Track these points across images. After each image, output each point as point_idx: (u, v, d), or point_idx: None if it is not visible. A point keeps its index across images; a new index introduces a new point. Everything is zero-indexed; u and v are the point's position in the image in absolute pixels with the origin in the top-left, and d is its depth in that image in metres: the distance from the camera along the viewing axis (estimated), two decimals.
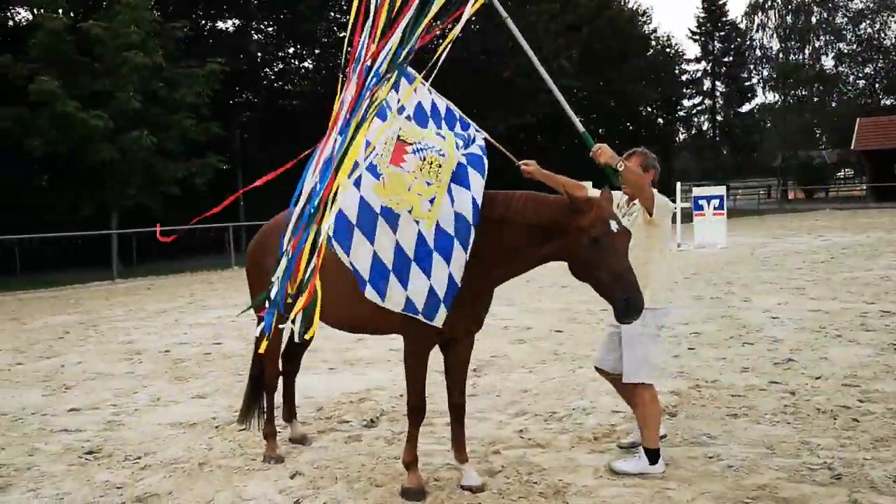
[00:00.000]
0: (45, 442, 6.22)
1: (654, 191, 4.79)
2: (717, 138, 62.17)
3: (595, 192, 4.72)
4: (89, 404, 7.41)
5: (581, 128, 4.68)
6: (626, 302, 4.07)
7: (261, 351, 5.27)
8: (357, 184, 4.40)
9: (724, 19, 60.82)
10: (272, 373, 5.65)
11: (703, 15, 60.96)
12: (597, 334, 9.67)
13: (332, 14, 42.37)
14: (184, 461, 5.56)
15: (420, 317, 4.36)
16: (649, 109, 61.99)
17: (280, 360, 5.87)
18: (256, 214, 36.27)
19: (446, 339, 4.84)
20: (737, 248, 22.18)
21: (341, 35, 46.90)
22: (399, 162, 4.45)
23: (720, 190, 25.09)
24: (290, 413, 5.99)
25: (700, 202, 24.41)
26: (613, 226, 4.16)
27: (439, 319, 4.37)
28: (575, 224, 4.19)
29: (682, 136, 67.89)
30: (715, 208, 24.18)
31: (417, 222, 4.33)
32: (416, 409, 4.76)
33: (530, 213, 4.37)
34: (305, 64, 46.46)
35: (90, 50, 23.93)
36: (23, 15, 29.66)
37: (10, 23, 30.39)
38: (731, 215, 42.12)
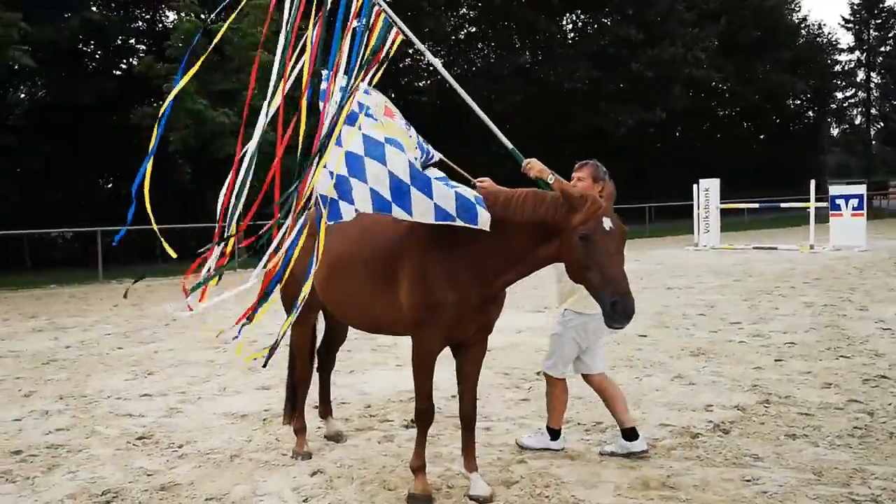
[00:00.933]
0: (107, 426, 6.50)
1: None
2: (872, 133, 58.14)
3: None
4: (161, 391, 7.71)
5: (509, 145, 4.81)
6: (614, 306, 3.79)
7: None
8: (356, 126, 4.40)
9: (880, 6, 56.73)
10: (302, 367, 5.65)
11: (857, 2, 57.08)
12: (683, 340, 9.21)
13: (460, 10, 42.56)
14: (218, 452, 5.65)
15: (459, 222, 4.20)
16: (797, 102, 58.85)
17: (314, 357, 5.89)
18: None
19: (458, 345, 4.70)
20: (877, 251, 20.60)
21: (472, 30, 47.51)
22: (391, 115, 4.75)
23: (860, 189, 23.44)
24: (325, 410, 5.99)
25: (837, 202, 22.88)
26: (607, 224, 3.90)
27: (483, 221, 4.20)
28: (568, 221, 3.96)
29: (834, 131, 64.05)
30: (854, 208, 22.62)
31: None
32: (423, 413, 4.64)
33: (528, 210, 4.16)
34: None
35: (221, 49, 25.14)
36: (171, 18, 31.64)
37: (159, 26, 32.37)
38: (884, 216, 39.13)
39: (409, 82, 44.14)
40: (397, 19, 4.73)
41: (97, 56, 31.09)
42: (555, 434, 5.50)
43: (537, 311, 12.10)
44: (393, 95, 30.56)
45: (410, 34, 4.83)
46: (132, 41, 32.24)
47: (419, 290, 4.39)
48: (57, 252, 30.60)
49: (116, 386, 7.97)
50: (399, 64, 39.44)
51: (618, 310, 3.79)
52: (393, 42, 4.75)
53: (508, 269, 4.32)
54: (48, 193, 28.08)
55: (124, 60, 31.05)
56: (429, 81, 44.03)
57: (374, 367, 8.48)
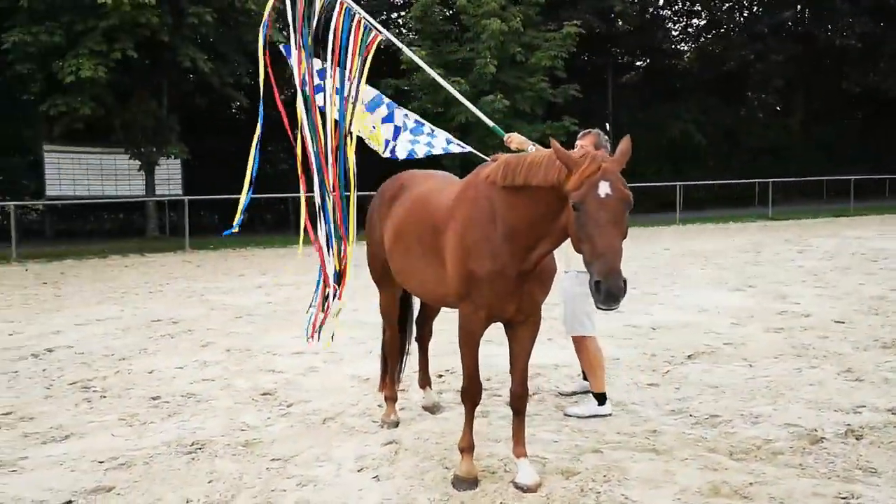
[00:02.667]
0: (246, 379, 6.92)
1: None
2: None
3: None
4: (315, 349, 8.06)
5: (490, 122, 5.60)
6: (598, 286, 3.33)
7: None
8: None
9: None
10: (391, 335, 5.60)
11: None
12: (886, 331, 7.98)
13: None
14: (318, 413, 5.79)
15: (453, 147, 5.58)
16: None
17: (410, 326, 5.84)
18: (626, 175, 36.19)
19: (508, 325, 4.41)
20: None
21: None
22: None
23: None
24: (423, 380, 5.92)
25: None
26: (603, 189, 3.40)
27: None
28: (564, 186, 3.54)
29: None
30: None
31: None
32: (467, 392, 4.41)
33: (542, 173, 3.75)
34: (697, 21, 44.54)
35: (457, 19, 25.71)
36: None
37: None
38: None
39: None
40: (374, 21, 5.42)
41: None
42: (602, 399, 5.49)
43: (737, 290, 11.09)
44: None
45: (386, 33, 5.48)
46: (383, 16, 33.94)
47: (458, 262, 4.19)
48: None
49: (281, 342, 8.46)
50: None
51: (602, 290, 3.33)
52: (371, 43, 5.31)
53: (538, 240, 3.94)
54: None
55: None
56: None
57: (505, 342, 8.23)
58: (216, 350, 8.20)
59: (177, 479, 4.54)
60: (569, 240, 4.97)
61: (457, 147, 5.82)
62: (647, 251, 17.52)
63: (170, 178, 27.30)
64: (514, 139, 5.25)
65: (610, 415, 5.47)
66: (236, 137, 29.19)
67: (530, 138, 21.65)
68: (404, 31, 27.36)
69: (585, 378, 5.86)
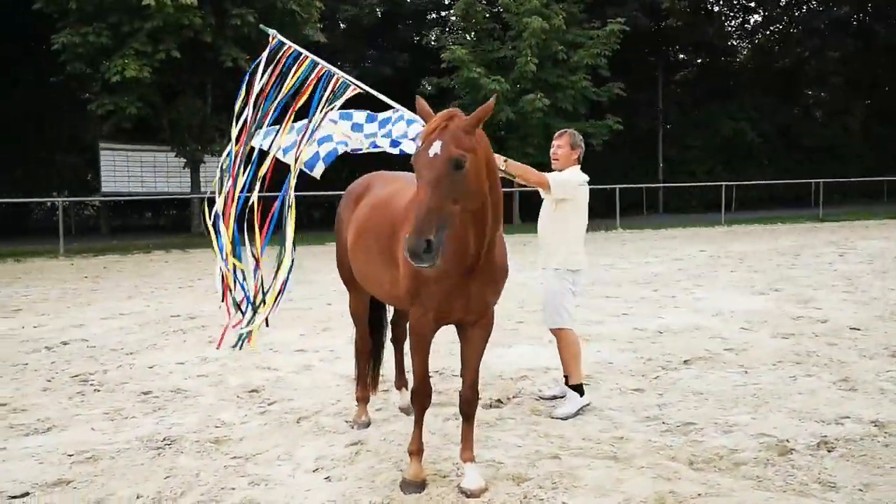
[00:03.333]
0: (239, 376, 6.98)
1: (571, 168, 5.70)
2: None
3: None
4: (315, 346, 8.12)
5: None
6: (406, 240, 3.37)
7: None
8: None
9: None
10: (361, 336, 5.59)
11: None
12: None
13: None
14: (295, 412, 5.81)
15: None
16: None
17: (389, 328, 5.84)
18: (676, 175, 35.58)
19: (459, 328, 4.38)
20: None
21: None
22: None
23: None
24: (399, 381, 5.89)
25: None
26: (433, 150, 3.51)
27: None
28: None
29: None
30: None
31: None
32: (417, 395, 4.37)
33: None
34: (753, 17, 43.57)
35: (500, 17, 25.63)
36: None
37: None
38: None
39: None
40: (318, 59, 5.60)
41: (399, 28, 33.17)
42: (580, 389, 5.64)
43: (761, 294, 10.81)
44: None
45: (368, 88, 5.64)
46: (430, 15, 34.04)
47: (405, 263, 4.16)
48: None
49: (286, 340, 8.54)
50: None
51: (404, 244, 3.42)
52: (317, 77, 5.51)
53: (467, 229, 3.91)
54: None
55: (416, 33, 32.79)
56: None
57: (510, 343, 8.18)
58: (223, 346, 8.29)
59: (135, 475, 4.61)
60: (546, 237, 5.60)
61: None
62: (681, 252, 17.23)
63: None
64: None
65: (589, 404, 5.62)
66: None
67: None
68: (449, 29, 27.33)
69: (574, 389, 5.80)
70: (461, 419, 4.45)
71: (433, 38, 26.41)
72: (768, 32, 42.81)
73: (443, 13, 32.31)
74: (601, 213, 27.20)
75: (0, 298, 12.47)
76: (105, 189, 27.35)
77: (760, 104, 37.94)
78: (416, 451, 4.36)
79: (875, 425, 5.07)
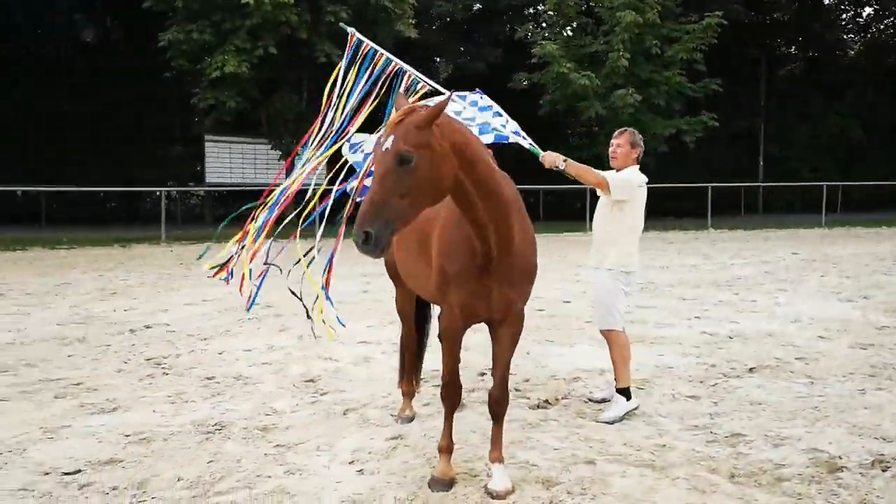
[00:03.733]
0: (302, 365, 7.17)
1: (630, 168, 5.59)
2: None
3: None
4: (378, 339, 8.24)
5: (526, 145, 5.26)
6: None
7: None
8: None
9: None
10: (406, 331, 5.64)
11: None
12: None
13: None
14: (345, 403, 5.91)
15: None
16: None
17: (433, 323, 5.87)
18: (778, 174, 34.25)
19: (489, 326, 4.37)
20: None
21: None
22: None
23: None
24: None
25: None
26: (385, 143, 3.53)
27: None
28: None
29: None
30: None
31: None
32: (445, 392, 4.39)
33: None
34: (868, 11, 41.38)
35: (592, 12, 25.28)
36: None
37: None
38: None
39: None
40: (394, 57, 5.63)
41: (493, 24, 33.10)
42: (626, 393, 5.56)
43: (848, 301, 10.32)
44: None
45: (435, 84, 5.51)
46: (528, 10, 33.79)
47: (436, 262, 4.23)
48: None
49: (354, 331, 8.65)
50: None
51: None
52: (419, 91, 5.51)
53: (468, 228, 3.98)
54: None
55: (510, 28, 32.64)
56: None
57: (573, 342, 8.08)
58: (290, 335, 8.55)
59: (181, 458, 4.80)
60: (602, 237, 5.56)
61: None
62: (772, 255, 16.62)
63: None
64: (546, 159, 5.12)
65: (637, 408, 5.56)
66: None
67: (663, 134, 21.19)
68: (541, 23, 27.12)
69: (621, 392, 5.71)
70: (492, 418, 4.43)
71: (526, 34, 26.21)
72: (882, 27, 40.63)
73: (539, 7, 32.01)
74: (692, 212, 26.48)
75: (101, 282, 13.17)
76: (209, 179, 28.52)
77: (871, 102, 36.10)
78: (445, 448, 4.38)
79: None
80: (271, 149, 26.48)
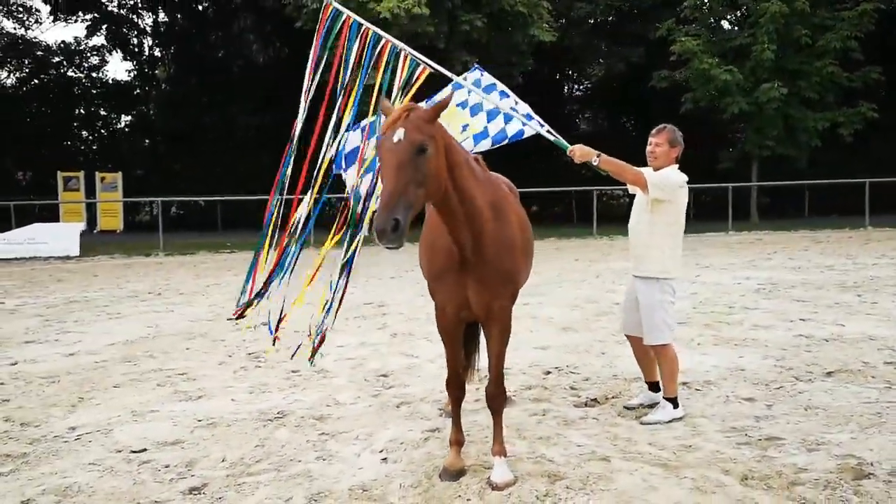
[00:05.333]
0: (381, 361, 7.57)
1: (670, 167, 5.29)
2: None
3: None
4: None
5: (551, 138, 5.27)
6: (375, 218, 3.52)
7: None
8: None
9: None
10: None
11: None
12: None
13: None
14: (403, 397, 6.21)
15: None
16: None
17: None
18: None
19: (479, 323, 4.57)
20: None
21: None
22: None
23: None
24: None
25: None
26: (396, 136, 3.64)
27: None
28: None
29: None
30: None
31: None
32: (447, 386, 4.66)
33: None
34: None
35: (736, 4, 24.27)
36: None
37: None
38: None
39: None
40: (418, 54, 5.36)
41: (634, 23, 32.42)
42: (675, 402, 5.43)
43: None
44: None
45: (437, 66, 5.31)
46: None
47: (421, 263, 4.63)
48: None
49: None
50: None
51: (373, 227, 3.53)
52: (419, 77, 5.30)
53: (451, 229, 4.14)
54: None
55: (651, 26, 31.81)
56: None
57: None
58: (384, 333, 8.98)
59: (234, 441, 5.27)
60: (641, 242, 5.30)
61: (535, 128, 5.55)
62: None
63: None
64: (577, 153, 4.96)
65: (682, 417, 5.39)
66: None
67: (815, 128, 20.19)
68: (683, 19, 26.25)
69: (651, 389, 5.71)
70: (491, 415, 4.61)
71: (667, 31, 25.50)
72: None
73: (683, 3, 31.08)
74: (848, 209, 24.77)
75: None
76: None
77: None
78: (453, 441, 4.60)
79: None
80: None
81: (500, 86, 5.77)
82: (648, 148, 5.41)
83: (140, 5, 42.90)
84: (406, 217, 3.49)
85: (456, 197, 3.98)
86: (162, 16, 43.46)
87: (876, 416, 5.31)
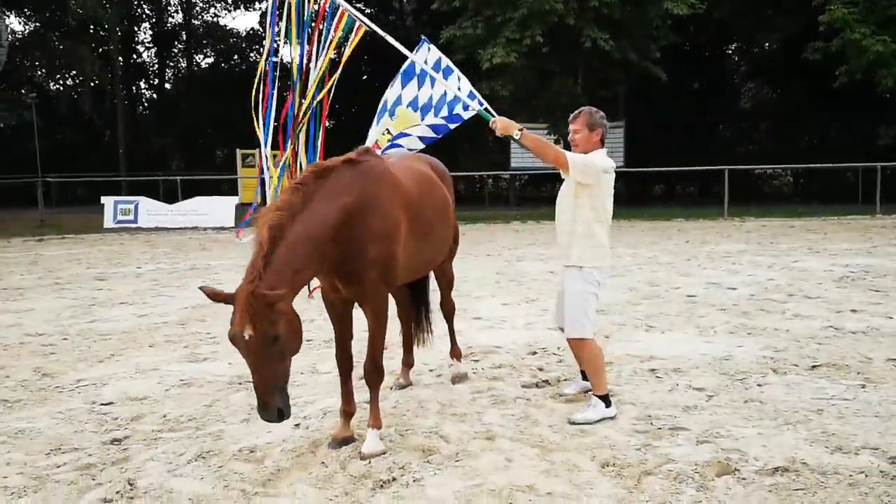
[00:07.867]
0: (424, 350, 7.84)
1: (597, 151, 4.98)
2: None
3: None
4: (514, 323, 8.64)
5: (477, 107, 5.44)
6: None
7: None
8: None
9: None
10: (399, 302, 6.09)
11: None
12: None
13: None
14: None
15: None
16: None
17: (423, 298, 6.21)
18: None
19: None
20: None
21: None
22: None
23: None
24: (452, 351, 6.26)
25: None
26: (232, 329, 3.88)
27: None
28: None
29: None
30: None
31: None
32: (336, 359, 4.99)
33: None
34: None
35: None
36: None
37: None
38: None
39: None
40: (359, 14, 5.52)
41: None
42: (607, 400, 5.10)
43: None
44: None
45: (373, 26, 5.49)
46: None
47: None
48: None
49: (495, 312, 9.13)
50: None
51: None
52: (356, 33, 5.50)
53: None
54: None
55: None
56: None
57: (664, 329, 7.73)
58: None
59: (190, 401, 5.70)
60: (567, 228, 5.09)
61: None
62: None
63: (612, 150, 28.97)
64: (500, 124, 4.94)
65: (615, 417, 5.03)
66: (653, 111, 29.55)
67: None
68: None
69: (584, 377, 5.51)
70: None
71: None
72: None
73: None
74: None
75: None
76: (513, 164, 30.62)
77: None
78: (342, 411, 4.87)
79: None
80: (547, 134, 27.21)
81: (445, 60, 5.86)
82: (569, 137, 5.17)
83: None
84: (284, 394, 3.92)
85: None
86: None
87: (812, 413, 5.01)
